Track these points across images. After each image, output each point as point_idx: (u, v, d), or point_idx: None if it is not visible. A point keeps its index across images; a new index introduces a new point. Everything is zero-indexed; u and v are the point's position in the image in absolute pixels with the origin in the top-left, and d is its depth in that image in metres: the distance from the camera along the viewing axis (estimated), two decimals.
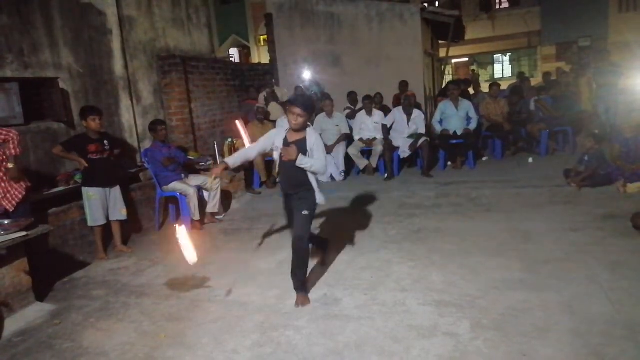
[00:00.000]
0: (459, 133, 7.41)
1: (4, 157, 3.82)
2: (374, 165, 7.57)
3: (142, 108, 6.45)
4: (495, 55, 23.33)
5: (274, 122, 7.69)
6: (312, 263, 3.76)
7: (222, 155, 6.53)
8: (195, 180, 5.65)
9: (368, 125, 7.59)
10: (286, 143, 3.35)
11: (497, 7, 21.39)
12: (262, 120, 7.42)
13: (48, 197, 4.61)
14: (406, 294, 3.35)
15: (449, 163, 7.68)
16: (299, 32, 9.74)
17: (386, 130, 7.48)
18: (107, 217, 4.74)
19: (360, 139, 7.58)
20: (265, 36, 11.57)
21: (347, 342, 2.81)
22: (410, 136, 7.41)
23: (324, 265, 3.99)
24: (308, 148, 3.32)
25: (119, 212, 4.81)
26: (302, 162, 3.26)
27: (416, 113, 7.53)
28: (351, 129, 7.74)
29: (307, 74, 9.67)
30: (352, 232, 4.73)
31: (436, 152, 7.77)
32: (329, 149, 7.22)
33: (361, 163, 7.62)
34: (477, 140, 7.88)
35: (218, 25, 19.06)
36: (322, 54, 9.63)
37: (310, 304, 3.33)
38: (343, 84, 8.96)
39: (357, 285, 3.58)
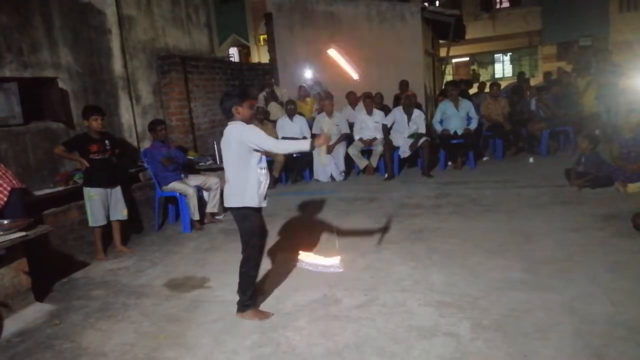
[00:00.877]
0: (459, 133, 7.40)
1: None
2: (374, 165, 7.56)
3: (141, 108, 6.44)
4: (495, 55, 23.38)
5: (274, 122, 7.68)
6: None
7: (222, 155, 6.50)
8: (194, 180, 5.63)
9: (368, 125, 7.58)
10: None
11: (498, 6, 21.42)
12: (262, 120, 7.40)
13: (47, 197, 4.60)
14: (406, 294, 3.34)
15: (450, 163, 7.67)
16: (299, 32, 9.74)
17: (386, 130, 7.46)
18: (108, 218, 4.74)
19: (361, 139, 7.57)
20: (265, 35, 11.58)
21: (347, 343, 2.80)
22: (411, 136, 7.39)
23: None
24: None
25: (120, 213, 4.80)
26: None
27: (416, 113, 7.51)
28: (351, 129, 7.74)
29: (307, 74, 9.65)
30: (352, 232, 4.71)
31: (436, 152, 7.76)
32: (329, 149, 7.22)
33: (361, 163, 7.60)
34: (477, 140, 7.86)
35: (218, 24, 18.96)
36: (322, 54, 9.60)
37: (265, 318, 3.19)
38: (343, 84, 8.94)
39: (357, 285, 3.57)
